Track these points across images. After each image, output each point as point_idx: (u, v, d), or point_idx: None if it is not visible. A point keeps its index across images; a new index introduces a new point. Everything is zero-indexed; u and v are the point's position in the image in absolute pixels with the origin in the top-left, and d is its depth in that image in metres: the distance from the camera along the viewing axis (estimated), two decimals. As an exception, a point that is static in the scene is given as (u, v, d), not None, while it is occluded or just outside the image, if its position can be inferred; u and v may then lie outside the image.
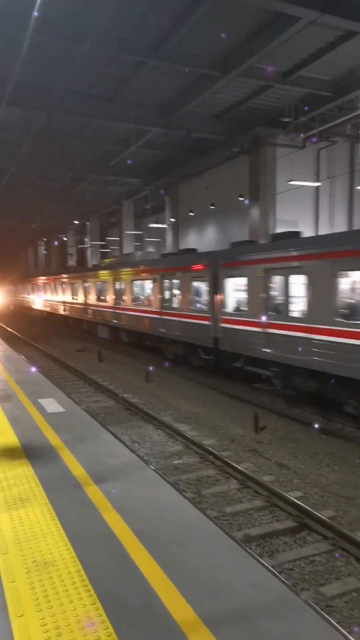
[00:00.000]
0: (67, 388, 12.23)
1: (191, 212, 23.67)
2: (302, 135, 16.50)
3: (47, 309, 34.34)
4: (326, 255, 9.12)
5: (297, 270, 9.91)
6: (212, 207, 21.80)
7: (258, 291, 11.12)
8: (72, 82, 13.67)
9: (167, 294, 15.75)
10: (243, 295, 11.91)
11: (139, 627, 2.44)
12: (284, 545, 5.22)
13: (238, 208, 20.32)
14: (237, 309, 12.34)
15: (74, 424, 5.87)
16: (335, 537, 5.18)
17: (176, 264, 15.13)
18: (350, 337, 8.52)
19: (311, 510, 5.62)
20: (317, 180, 18.63)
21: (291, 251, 10.13)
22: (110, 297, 21.09)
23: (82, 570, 2.93)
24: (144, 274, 17.41)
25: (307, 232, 18.87)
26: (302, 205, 19.00)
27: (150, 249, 32.14)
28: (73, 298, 27.30)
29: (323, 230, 19.25)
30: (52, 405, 6.75)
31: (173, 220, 25.52)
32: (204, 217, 23.31)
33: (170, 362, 14.93)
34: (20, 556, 3.09)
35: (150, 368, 14.05)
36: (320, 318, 9.24)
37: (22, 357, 11.94)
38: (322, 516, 5.48)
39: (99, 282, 22.71)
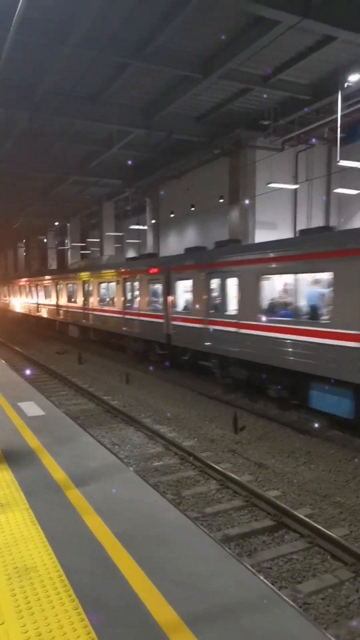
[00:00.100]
0: (47, 391, 12.13)
1: (172, 213, 23.74)
2: (280, 138, 16.77)
3: (23, 311, 34.84)
4: (251, 262, 10.66)
5: (230, 275, 11.39)
6: (193, 209, 21.91)
7: (200, 292, 12.58)
8: (55, 82, 13.55)
9: (128, 295, 17.07)
10: (189, 296, 13.27)
11: (121, 630, 2.47)
12: (262, 544, 5.31)
13: (218, 209, 20.47)
14: (185, 308, 13.61)
15: (54, 427, 5.85)
16: (311, 534, 5.31)
17: (136, 267, 16.49)
18: (269, 331, 10.07)
19: (288, 508, 5.73)
20: (296, 183, 18.93)
21: (226, 257, 11.64)
22: (79, 299, 22.19)
23: (64, 574, 2.95)
24: (108, 277, 18.81)
25: (286, 233, 19.15)
26: (280, 207, 19.27)
27: (131, 251, 32.11)
28: (46, 299, 28.27)
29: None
30: (31, 408, 6.71)
31: (154, 221, 25.53)
32: (185, 219, 23.40)
33: (136, 358, 15.54)
34: (1, 563, 3.09)
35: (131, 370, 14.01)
36: (247, 315, 10.74)
37: (2, 360, 11.78)
38: (299, 514, 5.60)
39: (70, 284, 23.75)
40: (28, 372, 15.27)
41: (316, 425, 9.45)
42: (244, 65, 12.75)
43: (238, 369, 11.43)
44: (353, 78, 13.01)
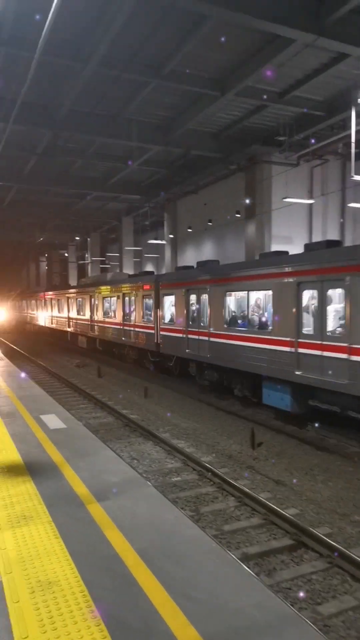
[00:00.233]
0: (67, 404, 12.27)
1: (189, 228, 23.94)
2: (295, 154, 16.90)
3: (39, 323, 36.81)
4: (218, 281, 12.53)
5: (203, 291, 13.28)
6: (210, 224, 22.09)
7: (182, 306, 14.39)
8: (77, 101, 13.96)
9: (127, 309, 18.82)
10: (174, 310, 15.05)
11: (143, 647, 2.50)
12: (281, 563, 5.27)
13: (235, 224, 20.60)
14: (171, 320, 15.33)
15: (75, 441, 5.93)
16: (331, 554, 5.24)
17: (133, 284, 18.24)
18: (232, 339, 11.83)
19: (307, 527, 5.68)
20: (311, 198, 18.96)
21: (200, 276, 13.55)
22: (86, 312, 24.04)
23: (86, 590, 2.99)
24: (111, 292, 20.67)
25: (301, 248, 19.11)
26: (296, 222, 19.31)
27: (150, 266, 32.44)
28: (59, 312, 30.21)
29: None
30: (53, 421, 6.82)
31: (171, 236, 25.78)
32: (202, 233, 23.58)
33: (134, 365, 16.73)
34: (24, 576, 3.14)
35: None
36: (216, 326, 12.56)
37: (24, 373, 12.01)
38: (318, 533, 5.54)
39: (79, 299, 25.57)
40: (49, 384, 15.49)
41: (335, 442, 9.35)
42: (260, 83, 12.97)
43: (211, 373, 13.32)
44: (366, 94, 13.10)
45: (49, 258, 47.57)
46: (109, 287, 20.93)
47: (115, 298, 20.12)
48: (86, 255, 38.07)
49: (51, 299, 32.43)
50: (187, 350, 13.97)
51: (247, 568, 3.56)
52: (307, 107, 14.62)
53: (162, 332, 15.63)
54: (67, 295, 28.08)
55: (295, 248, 19.05)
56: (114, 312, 20.22)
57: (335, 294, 9.09)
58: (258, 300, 11.46)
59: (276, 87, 13.59)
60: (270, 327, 10.52)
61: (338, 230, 20.17)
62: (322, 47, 10.83)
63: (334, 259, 8.92)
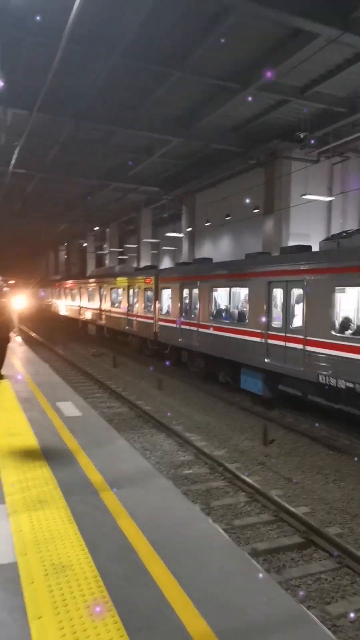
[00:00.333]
0: (83, 392, 12.42)
1: (207, 222, 23.83)
2: (315, 150, 16.67)
3: (55, 311, 38.11)
4: (206, 278, 13.89)
5: (194, 286, 14.54)
6: (228, 218, 21.95)
7: (176, 299, 15.69)
8: (100, 91, 13.96)
9: (131, 300, 20.09)
10: (169, 302, 16.37)
11: (154, 637, 2.52)
12: (290, 561, 5.27)
13: (253, 220, 20.45)
14: (167, 312, 16.60)
15: (89, 429, 6.00)
16: (341, 554, 5.23)
17: (138, 277, 19.52)
18: (216, 330, 13.09)
19: (318, 526, 5.66)
20: (330, 195, 18.69)
21: (192, 272, 14.95)
22: (95, 301, 25.43)
23: (99, 576, 3.03)
24: (118, 284, 21.96)
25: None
26: (314, 219, 19.07)
27: (167, 258, 32.42)
28: (72, 301, 31.67)
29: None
30: (69, 408, 6.90)
31: (189, 229, 25.70)
32: (220, 228, 23.46)
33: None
34: (39, 558, 3.20)
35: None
36: (203, 318, 13.82)
37: (41, 360, 12.19)
38: (328, 533, 5.53)
39: (90, 289, 26.87)
40: (65, 372, 15.69)
41: (347, 442, 9.28)
42: (281, 77, 12.79)
43: (200, 361, 14.61)
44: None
45: (68, 248, 47.87)
46: (116, 279, 22.20)
47: (121, 289, 21.43)
48: (104, 246, 38.23)
49: (64, 288, 33.74)
50: (179, 340, 15.29)
51: (258, 564, 3.57)
52: (328, 104, 14.40)
53: (159, 323, 16.99)
54: (79, 285, 29.34)
55: (313, 245, 18.76)
56: (120, 302, 21.51)
57: (297, 293, 10.21)
58: (238, 296, 12.85)
59: (298, 82, 13.39)
60: (247, 321, 11.78)
61: (357, 227, 19.87)
62: (346, 42, 10.62)
63: (297, 263, 10.12)
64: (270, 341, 10.74)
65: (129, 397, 12.40)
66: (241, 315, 12.33)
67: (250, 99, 14.02)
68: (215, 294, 13.66)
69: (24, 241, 49.96)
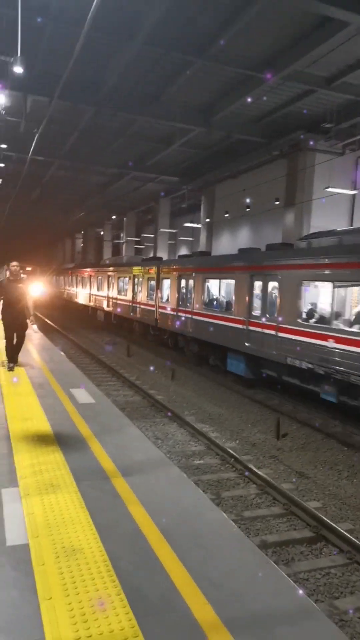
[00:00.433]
0: (96, 380, 12.52)
1: (226, 213, 23.63)
2: (340, 142, 16.32)
3: (67, 298, 39.35)
4: (200, 270, 15.21)
5: (189, 277, 15.92)
6: (248, 210, 21.72)
7: (174, 289, 16.96)
8: (121, 78, 13.86)
9: (136, 289, 21.39)
10: (168, 291, 17.62)
11: (162, 622, 2.55)
12: (300, 554, 5.26)
13: (273, 212, 20.18)
14: (166, 300, 17.83)
15: (102, 416, 6.05)
16: (351, 550, 5.19)
17: (142, 267, 20.77)
18: (208, 318, 14.30)
19: (329, 521, 5.63)
20: (354, 188, 18.31)
21: (189, 264, 16.16)
22: (104, 289, 26.86)
23: (108, 560, 3.07)
24: (125, 273, 23.27)
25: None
26: (337, 213, 18.70)
27: (184, 249, 32.31)
28: (83, 288, 33.03)
29: None
30: (82, 395, 6.96)
31: (208, 220, 25.53)
32: (239, 219, 23.24)
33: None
34: (50, 541, 3.25)
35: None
36: (197, 306, 15.10)
37: (56, 347, 12.32)
38: (339, 528, 5.49)
39: (99, 277, 28.19)
40: (79, 359, 15.82)
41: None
42: (308, 67, 12.50)
43: (194, 345, 15.80)
44: None
45: (85, 236, 48.03)
46: (122, 268, 23.70)
47: (127, 278, 22.77)
48: (121, 235, 38.22)
49: (76, 276, 35.22)
50: (176, 326, 16.70)
51: (266, 556, 3.56)
52: (355, 94, 14.05)
53: (160, 310, 18.34)
54: (89, 273, 30.63)
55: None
56: (126, 291, 22.92)
57: (273, 286, 11.48)
58: (226, 287, 14.17)
59: (324, 72, 13.08)
60: (233, 309, 13.03)
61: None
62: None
63: (273, 259, 11.43)
64: (250, 328, 12.07)
65: (142, 386, 12.46)
66: (228, 304, 13.64)
67: (273, 88, 13.77)
68: (208, 284, 14.94)
69: (41, 229, 50.32)
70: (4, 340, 8.58)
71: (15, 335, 8.41)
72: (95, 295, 29.04)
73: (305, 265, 10.18)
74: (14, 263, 8.49)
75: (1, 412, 6.03)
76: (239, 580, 2.94)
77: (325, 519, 5.70)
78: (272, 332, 11.08)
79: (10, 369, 8.37)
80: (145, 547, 3.21)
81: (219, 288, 14.42)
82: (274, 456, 8.17)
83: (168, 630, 2.49)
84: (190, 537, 3.37)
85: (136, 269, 21.38)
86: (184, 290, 16.26)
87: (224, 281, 14.16)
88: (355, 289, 9.48)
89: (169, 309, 17.32)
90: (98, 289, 28.38)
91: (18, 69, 9.08)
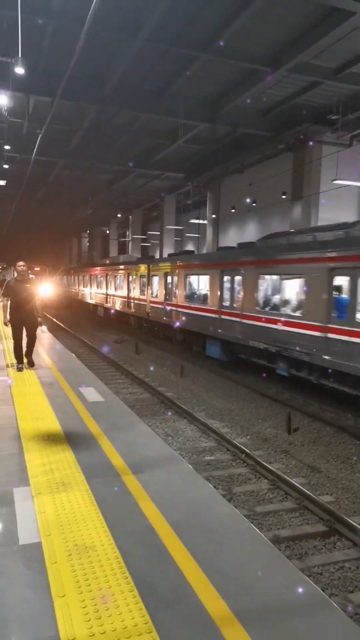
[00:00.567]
0: (105, 378, 12.52)
1: (232, 208, 23.52)
2: (348, 134, 16.14)
3: (70, 296, 41.04)
4: (182, 267, 17.26)
5: (173, 274, 17.97)
6: (254, 205, 21.60)
7: (162, 285, 19.00)
8: (123, 75, 13.82)
9: (130, 286, 23.59)
10: (157, 287, 19.64)
11: (175, 617, 2.54)
12: (313, 549, 5.23)
13: (280, 206, 20.05)
14: (156, 295, 19.80)
15: (112, 414, 6.05)
16: (366, 545, 5.16)
17: (135, 265, 23.14)
18: (190, 309, 16.34)
19: (343, 516, 5.59)
20: (363, 180, 18.10)
21: (173, 262, 18.16)
22: (103, 287, 29.01)
23: (120, 556, 3.07)
24: (120, 271, 25.53)
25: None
26: (345, 206, 18.55)
27: (190, 245, 32.24)
28: (84, 287, 35.18)
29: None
30: (92, 394, 6.97)
31: (214, 216, 25.44)
32: (245, 214, 23.13)
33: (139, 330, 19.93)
34: (62, 539, 3.26)
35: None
36: (181, 299, 17.10)
37: (64, 346, 12.35)
38: (353, 522, 5.45)
39: (99, 276, 30.18)
40: (88, 358, 15.87)
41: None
42: (314, 59, 12.36)
43: (180, 335, 17.68)
44: None
45: (91, 234, 48.17)
46: (119, 267, 25.87)
47: (122, 277, 24.99)
48: (127, 233, 38.27)
49: (79, 275, 37.52)
50: (164, 318, 18.67)
51: (279, 550, 3.54)
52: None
53: (151, 304, 20.41)
54: (90, 272, 32.83)
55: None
56: (122, 287, 25.06)
57: (238, 279, 13.38)
58: (203, 282, 15.88)
59: (331, 63, 12.93)
60: (208, 301, 14.92)
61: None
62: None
63: (237, 256, 13.54)
64: (222, 317, 14.03)
65: (151, 383, 12.47)
66: (205, 297, 15.50)
67: (279, 81, 13.64)
68: (189, 280, 17.02)
69: (47, 228, 50.53)
70: (12, 341, 8.57)
71: (25, 335, 8.40)
72: (96, 293, 31.30)
73: (260, 262, 12.32)
74: (21, 263, 8.47)
75: (11, 412, 6.06)
76: (252, 574, 2.92)
77: (339, 512, 5.66)
78: (238, 319, 13.14)
79: (19, 370, 8.37)
80: (156, 543, 3.21)
81: (198, 283, 16.44)
82: (286, 451, 8.14)
83: (181, 625, 2.49)
84: (202, 532, 3.36)
85: (130, 268, 23.66)
86: (170, 286, 18.24)
87: (202, 277, 15.98)
88: (297, 280, 11.22)
89: (158, 303, 19.31)
90: (97, 287, 30.64)
91: (19, 70, 9.10)
